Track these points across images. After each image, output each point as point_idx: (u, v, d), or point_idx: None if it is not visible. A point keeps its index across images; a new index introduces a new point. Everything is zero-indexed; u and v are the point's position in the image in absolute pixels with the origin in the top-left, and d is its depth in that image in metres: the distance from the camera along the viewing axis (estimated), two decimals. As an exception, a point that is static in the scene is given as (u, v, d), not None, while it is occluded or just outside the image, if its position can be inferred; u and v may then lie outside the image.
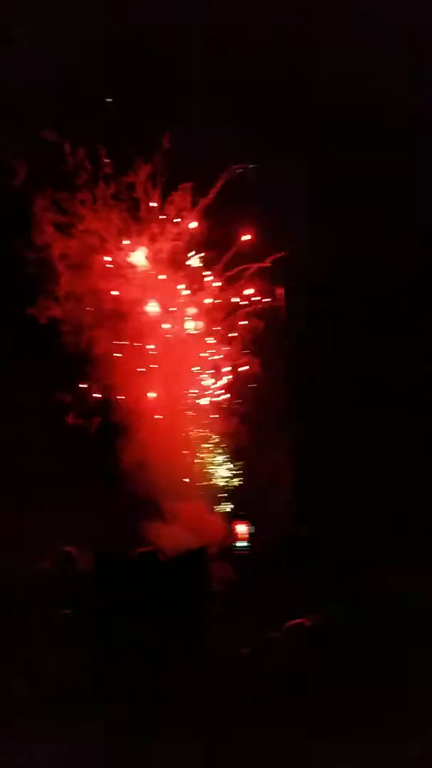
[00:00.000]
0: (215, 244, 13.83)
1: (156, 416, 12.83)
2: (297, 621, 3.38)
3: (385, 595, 3.91)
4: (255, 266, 13.58)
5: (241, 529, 11.41)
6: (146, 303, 13.42)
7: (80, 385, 12.59)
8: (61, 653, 3.88)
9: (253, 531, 12.05)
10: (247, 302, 13.98)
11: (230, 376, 14.04)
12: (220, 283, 13.96)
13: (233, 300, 14.00)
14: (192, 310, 13.84)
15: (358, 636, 3.38)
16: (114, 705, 3.40)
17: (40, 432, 11.95)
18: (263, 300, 13.96)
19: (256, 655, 3.59)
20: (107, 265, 13.08)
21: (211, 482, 13.63)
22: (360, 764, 3.08)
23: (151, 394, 12.89)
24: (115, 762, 3.17)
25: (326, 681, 3.23)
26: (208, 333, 14.09)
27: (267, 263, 13.53)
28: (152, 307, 13.36)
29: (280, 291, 14.28)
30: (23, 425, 11.71)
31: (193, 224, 13.39)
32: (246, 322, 14.09)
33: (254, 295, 13.93)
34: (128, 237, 13.31)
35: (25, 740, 3.09)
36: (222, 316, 14.13)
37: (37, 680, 3.52)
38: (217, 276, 14.00)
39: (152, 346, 13.41)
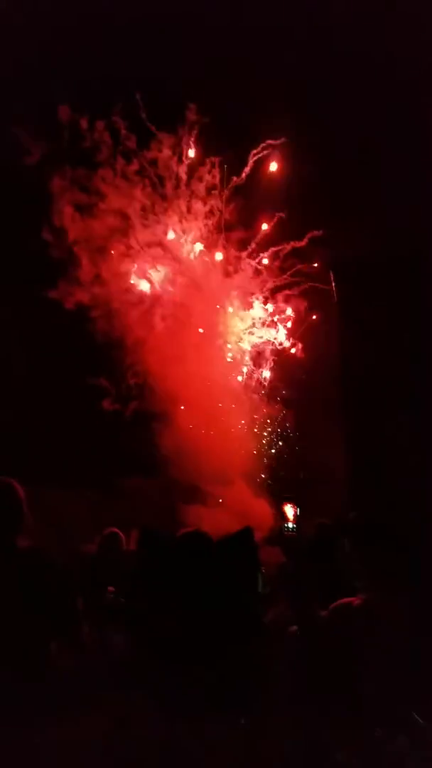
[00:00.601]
0: (252, 223, 13.51)
1: (195, 399, 12.73)
2: (346, 600, 3.26)
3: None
4: (291, 245, 13.24)
5: (289, 510, 11.26)
6: (179, 284, 13.16)
7: (116, 371, 12.51)
8: (108, 632, 3.89)
9: (299, 513, 11.87)
10: (291, 283, 13.76)
11: (274, 358, 13.92)
12: (266, 261, 13.65)
13: (277, 280, 13.82)
14: (231, 291, 13.68)
15: (408, 618, 3.23)
16: (159, 684, 3.36)
17: (82, 418, 11.97)
18: (309, 282, 13.69)
19: (303, 633, 3.48)
20: (133, 245, 12.89)
21: (257, 466, 13.52)
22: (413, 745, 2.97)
23: (189, 378, 12.77)
24: (158, 741, 3.15)
25: (373, 662, 3.11)
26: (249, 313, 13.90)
27: (304, 243, 13.20)
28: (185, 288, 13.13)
29: (329, 273, 13.99)
30: (63, 411, 11.76)
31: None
32: (289, 305, 13.90)
33: (297, 276, 13.68)
34: (154, 215, 13.07)
35: (69, 716, 3.09)
36: (264, 296, 13.93)
37: (84, 657, 3.52)
38: (256, 256, 13.73)
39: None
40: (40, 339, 11.61)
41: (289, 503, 10.64)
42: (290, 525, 9.98)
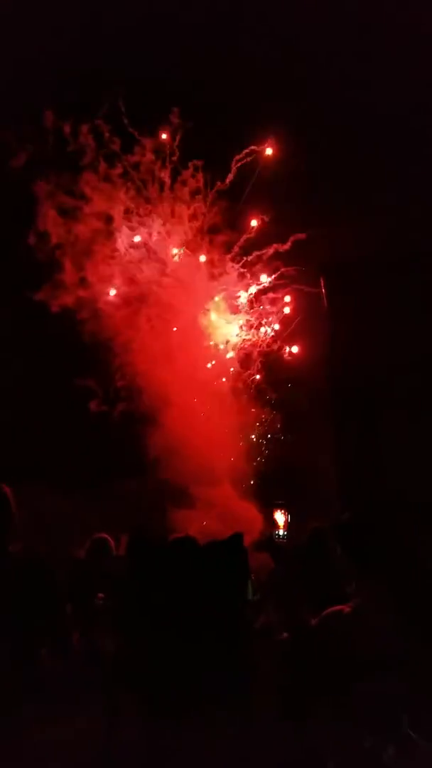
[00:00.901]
0: (237, 226, 13.44)
1: (184, 402, 12.66)
2: (337, 608, 3.23)
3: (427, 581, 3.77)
4: (273, 248, 13.20)
5: (279, 517, 11.25)
6: (165, 286, 13.10)
7: (105, 373, 12.43)
8: (97, 637, 3.85)
9: (289, 519, 11.87)
10: (278, 285, 13.72)
11: (262, 360, 13.90)
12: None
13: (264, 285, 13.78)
14: (217, 293, 13.60)
15: (399, 623, 3.22)
16: (146, 688, 3.33)
17: (70, 421, 11.89)
18: (297, 284, 13.68)
19: (294, 640, 3.45)
20: (118, 249, 12.82)
21: (246, 469, 13.47)
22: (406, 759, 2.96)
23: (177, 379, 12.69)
24: (142, 744, 3.12)
25: (363, 668, 3.09)
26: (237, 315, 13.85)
27: (287, 246, 13.19)
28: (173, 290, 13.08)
29: (319, 276, 13.98)
30: (51, 413, 11.65)
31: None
32: (274, 308, 13.89)
33: (285, 279, 13.65)
34: (139, 218, 12.96)
35: (58, 719, 3.07)
36: (252, 300, 13.90)
37: (70, 660, 3.49)
38: (240, 259, 13.69)
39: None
40: (28, 342, 11.53)
41: (280, 510, 10.66)
42: (281, 532, 9.97)
